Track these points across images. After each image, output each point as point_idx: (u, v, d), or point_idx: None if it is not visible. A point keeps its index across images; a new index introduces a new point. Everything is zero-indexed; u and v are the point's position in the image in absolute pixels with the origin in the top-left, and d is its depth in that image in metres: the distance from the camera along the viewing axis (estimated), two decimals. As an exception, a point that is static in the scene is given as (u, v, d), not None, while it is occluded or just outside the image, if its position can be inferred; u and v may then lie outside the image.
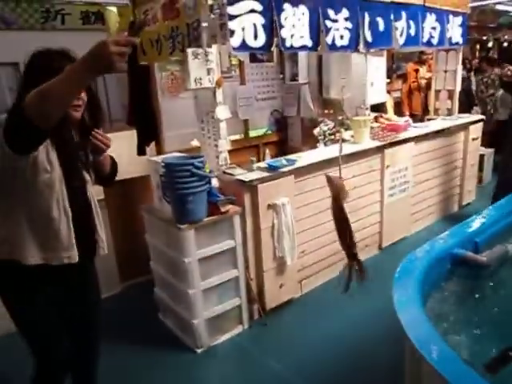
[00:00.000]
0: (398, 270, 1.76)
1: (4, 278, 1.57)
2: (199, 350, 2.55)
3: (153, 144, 3.39)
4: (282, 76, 4.43)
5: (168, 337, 2.73)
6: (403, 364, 1.59)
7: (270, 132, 4.45)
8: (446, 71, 4.68)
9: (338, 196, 1.62)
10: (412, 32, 3.61)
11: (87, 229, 1.66)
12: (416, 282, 1.66)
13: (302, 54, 4.12)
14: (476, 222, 2.19)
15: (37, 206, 1.50)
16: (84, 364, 1.88)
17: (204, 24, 2.52)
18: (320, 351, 2.50)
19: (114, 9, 3.48)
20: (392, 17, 3.40)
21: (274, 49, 2.91)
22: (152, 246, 2.78)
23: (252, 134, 4.26)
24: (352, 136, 3.63)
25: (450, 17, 4.00)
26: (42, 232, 1.52)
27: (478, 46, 10.67)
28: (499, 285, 1.95)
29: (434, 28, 3.84)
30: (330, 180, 1.63)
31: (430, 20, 3.78)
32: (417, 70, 5.64)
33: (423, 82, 5.52)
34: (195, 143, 3.61)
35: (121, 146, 2.40)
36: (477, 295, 1.90)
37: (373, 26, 3.28)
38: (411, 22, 3.58)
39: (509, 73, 3.64)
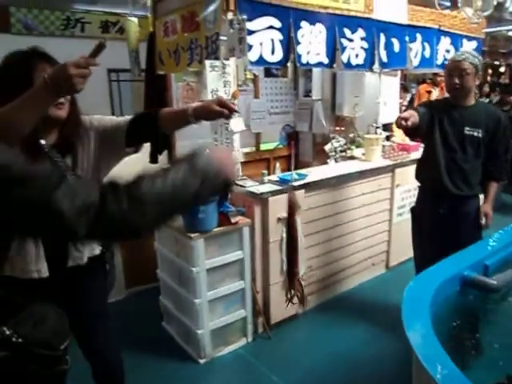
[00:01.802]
0: (407, 290, 1.75)
1: None
2: (202, 361, 2.54)
3: (165, 152, 3.42)
4: (295, 91, 4.47)
5: (171, 346, 2.72)
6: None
7: (281, 146, 4.48)
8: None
9: (293, 212, 1.61)
10: (426, 54, 3.66)
11: (58, 241, 1.48)
12: (425, 303, 1.65)
13: (316, 71, 4.17)
14: (487, 245, 2.18)
15: None
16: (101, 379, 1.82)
17: (223, 37, 2.58)
18: (323, 368, 2.48)
19: (135, 19, 3.56)
20: (407, 38, 3.44)
21: (289, 64, 2.96)
22: (160, 254, 2.80)
23: (263, 147, 4.29)
24: (363, 154, 3.65)
25: (465, 41, 4.04)
26: (9, 245, 1.42)
27: (490, 71, 10.73)
28: (509, 309, 1.93)
29: (448, 51, 3.88)
30: (291, 197, 1.61)
31: (445, 43, 3.82)
32: (429, 92, 5.67)
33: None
34: (207, 154, 3.64)
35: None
36: (486, 319, 1.88)
37: (388, 46, 3.32)
38: (426, 44, 3.62)
39: None
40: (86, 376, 1.79)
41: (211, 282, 2.47)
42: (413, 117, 2.24)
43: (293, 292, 1.82)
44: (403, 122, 2.18)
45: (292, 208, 1.64)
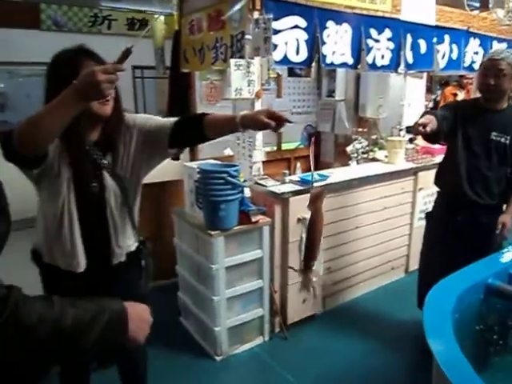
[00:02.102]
0: (429, 296, 1.72)
1: (39, 268, 1.60)
2: (218, 358, 2.56)
3: (186, 150, 3.45)
4: (318, 91, 4.46)
5: (188, 341, 2.75)
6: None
7: (302, 146, 4.47)
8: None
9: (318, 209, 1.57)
10: (454, 56, 3.59)
11: (99, 237, 1.55)
12: (447, 309, 1.62)
13: (340, 71, 4.14)
14: (511, 254, 2.12)
15: (47, 209, 1.50)
16: (127, 372, 1.89)
17: (248, 36, 2.58)
18: (340, 371, 2.46)
19: (161, 17, 3.60)
20: (435, 39, 3.38)
21: (313, 64, 2.95)
22: (180, 250, 2.82)
23: (285, 146, 4.29)
24: (386, 156, 3.61)
25: (495, 43, 3.94)
26: (51, 236, 1.51)
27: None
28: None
29: (476, 53, 3.79)
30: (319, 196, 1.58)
31: (473, 45, 3.74)
32: (455, 94, 5.56)
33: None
34: (228, 152, 3.66)
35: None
36: (510, 327, 1.83)
37: (415, 47, 3.27)
38: (454, 46, 3.55)
39: None
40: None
41: (230, 280, 2.48)
42: (431, 123, 2.11)
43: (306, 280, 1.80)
44: (421, 129, 2.06)
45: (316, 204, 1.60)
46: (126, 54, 1.16)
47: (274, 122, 1.29)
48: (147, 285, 1.78)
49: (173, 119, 1.52)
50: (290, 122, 1.32)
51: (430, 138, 2.29)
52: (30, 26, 4.89)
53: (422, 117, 2.28)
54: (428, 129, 2.07)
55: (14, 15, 4.75)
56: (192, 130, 1.47)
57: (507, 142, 2.29)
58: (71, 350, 0.81)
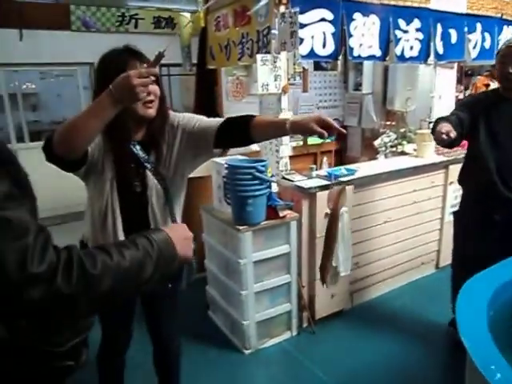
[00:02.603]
0: (463, 290, 1.69)
1: None
2: (247, 352, 2.58)
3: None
4: (344, 85, 4.40)
5: (216, 335, 2.78)
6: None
7: (328, 141, 4.43)
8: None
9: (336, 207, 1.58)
10: (486, 45, 3.47)
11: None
12: (482, 305, 1.58)
13: (367, 64, 4.08)
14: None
15: (93, 205, 1.54)
16: (161, 365, 1.95)
17: (274, 31, 2.58)
18: (368, 366, 2.44)
19: (187, 15, 3.64)
20: (466, 29, 3.28)
21: (339, 57, 2.91)
22: (208, 245, 2.86)
23: (311, 141, 4.27)
24: (415, 149, 3.53)
25: (530, 30, 3.79)
26: (97, 229, 1.55)
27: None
28: None
29: (510, 41, 3.66)
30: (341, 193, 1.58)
31: (508, 33, 3.61)
32: (487, 85, 5.38)
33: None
34: (255, 148, 3.67)
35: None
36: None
37: (445, 37, 3.19)
38: (486, 35, 3.44)
39: None
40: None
41: (258, 275, 2.50)
42: (452, 131, 2.04)
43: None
44: (445, 137, 1.99)
45: (336, 203, 1.61)
46: (159, 57, 1.19)
47: (326, 130, 1.25)
48: (191, 278, 1.82)
49: (219, 119, 1.52)
50: (342, 131, 1.29)
51: (448, 144, 2.19)
52: (61, 28, 5.01)
53: (436, 123, 2.21)
54: (452, 135, 2.02)
55: (45, 17, 4.89)
56: (239, 132, 1.45)
57: None
58: (135, 286, 0.91)
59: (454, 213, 2.61)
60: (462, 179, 2.50)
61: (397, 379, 2.35)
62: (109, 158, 1.47)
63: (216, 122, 1.51)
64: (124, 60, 1.40)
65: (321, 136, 1.26)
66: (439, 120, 2.23)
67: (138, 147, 1.50)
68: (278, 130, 1.39)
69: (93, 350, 1.82)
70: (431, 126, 3.71)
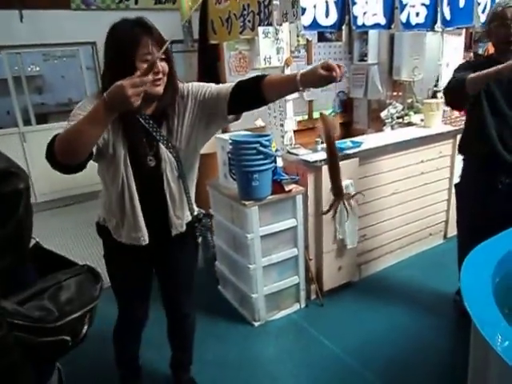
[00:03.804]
0: (467, 259, 1.69)
1: (102, 240, 1.73)
2: (256, 324, 2.64)
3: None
4: (349, 56, 4.32)
5: (227, 308, 2.85)
6: (467, 353, 1.55)
7: (334, 114, 4.38)
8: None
9: (329, 134, 1.58)
10: (496, 8, 3.35)
11: (158, 209, 1.60)
12: (487, 273, 1.59)
13: (372, 33, 3.98)
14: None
15: (108, 188, 1.56)
16: (177, 343, 2.04)
17: (275, 2, 2.52)
18: (377, 336, 2.48)
19: (187, -12, 3.56)
20: (475, -9, 3.17)
21: (343, 27, 2.85)
22: (215, 221, 2.88)
23: (316, 115, 4.22)
24: (422, 120, 3.48)
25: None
26: (115, 212, 1.59)
27: None
28: None
29: (522, 4, 3.53)
30: (323, 118, 1.59)
31: (519, -6, 3.48)
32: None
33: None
34: (259, 123, 3.65)
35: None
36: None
37: (452, 1, 3.08)
38: (496, -3, 3.32)
39: None
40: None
41: (265, 249, 2.52)
42: None
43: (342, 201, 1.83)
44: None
45: (329, 131, 1.61)
46: (152, 65, 1.20)
47: (331, 71, 1.26)
48: (208, 254, 1.87)
49: (230, 84, 1.50)
50: (342, 71, 1.28)
51: (458, 100, 2.14)
52: (61, 7, 4.95)
53: (463, 78, 2.11)
54: None
55: (44, -4, 4.82)
56: (251, 93, 1.43)
57: None
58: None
59: (456, 185, 2.59)
60: (464, 147, 2.47)
61: (404, 348, 2.39)
62: (118, 138, 1.47)
63: (227, 87, 1.49)
64: (136, 36, 1.37)
65: (330, 79, 1.27)
66: (465, 76, 2.05)
67: (148, 120, 1.50)
68: (289, 85, 1.38)
69: (109, 325, 1.89)
70: (439, 94, 3.64)
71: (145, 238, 1.59)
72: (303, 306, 2.80)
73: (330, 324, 2.64)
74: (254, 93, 1.42)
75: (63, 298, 1.06)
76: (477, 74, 1.97)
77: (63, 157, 1.24)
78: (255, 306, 2.60)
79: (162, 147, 1.53)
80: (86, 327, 1.09)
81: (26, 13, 4.72)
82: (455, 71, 2.28)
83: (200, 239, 1.79)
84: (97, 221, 1.71)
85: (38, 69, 6.84)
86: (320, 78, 1.28)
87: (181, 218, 1.66)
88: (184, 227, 1.68)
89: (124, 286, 1.77)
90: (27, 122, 5.32)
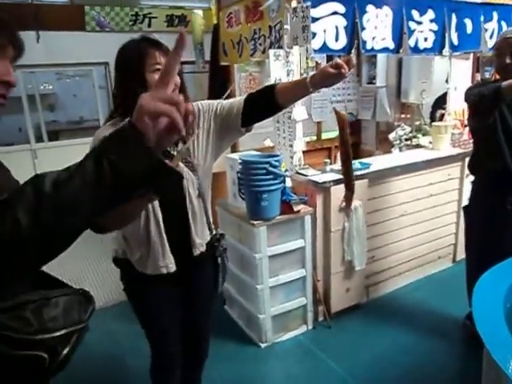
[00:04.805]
0: (479, 283, 1.68)
1: (123, 275, 1.66)
2: (263, 345, 2.61)
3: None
4: (358, 78, 4.37)
5: (233, 328, 2.82)
6: (477, 378, 1.52)
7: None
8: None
9: (344, 126, 1.69)
10: (503, 34, 3.40)
11: (180, 231, 1.56)
12: (498, 298, 1.57)
13: (381, 57, 4.04)
14: None
15: None
16: (190, 364, 1.89)
17: (286, 26, 2.58)
18: (385, 360, 2.44)
19: (199, 12, 3.66)
20: (482, 18, 3.23)
21: (352, 51, 2.90)
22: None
23: (324, 136, 4.25)
24: (430, 142, 3.50)
25: (548, 17, 3.70)
26: (140, 244, 1.52)
27: None
28: None
29: (528, 30, 3.58)
30: (337, 112, 1.69)
31: (525, 21, 3.53)
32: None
33: None
34: (268, 143, 3.69)
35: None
36: None
37: (460, 27, 3.13)
38: (503, 23, 3.37)
39: None
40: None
41: (273, 269, 2.52)
42: None
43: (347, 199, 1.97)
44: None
45: (343, 123, 1.67)
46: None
47: (340, 69, 1.28)
48: (224, 279, 1.83)
49: (240, 98, 1.53)
50: (352, 62, 1.30)
51: (489, 108, 2.14)
52: (76, 29, 5.10)
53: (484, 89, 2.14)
54: None
55: (61, 19, 4.98)
56: (265, 102, 1.46)
57: None
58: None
59: (464, 207, 2.60)
60: (475, 166, 2.49)
61: (412, 372, 2.34)
62: None
63: (238, 100, 1.52)
64: (143, 48, 1.38)
65: (340, 76, 1.29)
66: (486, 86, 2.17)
67: None
68: (300, 88, 1.40)
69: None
70: (448, 118, 3.66)
71: (172, 265, 1.55)
72: (310, 327, 2.76)
73: (338, 347, 2.60)
74: (268, 100, 1.44)
75: (48, 314, 1.03)
76: (509, 81, 2.03)
77: (115, 229, 1.18)
78: (262, 326, 2.57)
79: (182, 165, 1.51)
80: (67, 349, 1.04)
81: (42, 34, 4.87)
82: (469, 89, 2.36)
83: (219, 260, 1.74)
84: (114, 256, 1.64)
85: (50, 87, 7.00)
86: (329, 76, 1.30)
87: (201, 237, 1.62)
88: (204, 247, 1.64)
89: (158, 320, 1.67)
90: (39, 139, 5.42)
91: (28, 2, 4.82)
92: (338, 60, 1.29)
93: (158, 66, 1.36)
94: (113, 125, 1.41)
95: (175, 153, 1.49)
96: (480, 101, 2.20)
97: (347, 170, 1.80)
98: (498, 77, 2.51)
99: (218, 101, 1.59)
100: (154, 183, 0.69)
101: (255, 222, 2.38)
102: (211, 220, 1.68)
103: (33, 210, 0.66)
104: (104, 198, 0.67)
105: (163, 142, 0.67)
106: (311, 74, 1.38)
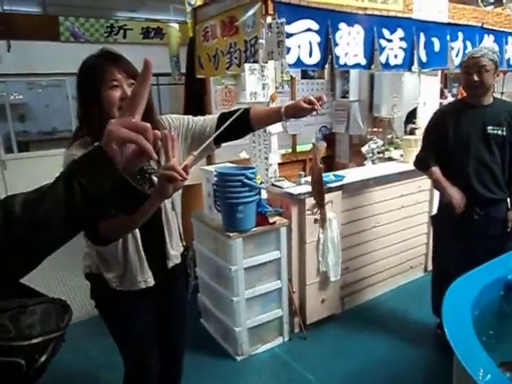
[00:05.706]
0: (448, 292, 1.73)
1: (95, 291, 1.62)
2: (239, 358, 2.59)
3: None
4: (332, 92, 4.47)
5: (209, 342, 2.79)
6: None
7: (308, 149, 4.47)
8: (502, 93, 4.56)
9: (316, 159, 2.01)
10: (468, 53, 3.56)
11: (156, 244, 1.57)
12: (466, 306, 1.62)
13: (353, 72, 4.15)
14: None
15: None
16: (167, 377, 1.85)
17: (261, 41, 2.63)
18: (360, 369, 2.47)
19: (175, 25, 3.68)
20: (448, 37, 3.38)
21: (326, 66, 2.97)
22: (199, 252, 2.87)
23: (299, 148, 4.31)
24: (401, 155, 3.60)
25: (510, 38, 3.91)
26: (118, 262, 1.50)
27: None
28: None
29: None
30: (316, 147, 2.00)
31: (488, 41, 3.71)
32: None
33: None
34: (243, 155, 3.70)
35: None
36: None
37: (428, 46, 3.27)
38: (468, 43, 3.53)
39: None
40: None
41: (249, 281, 2.52)
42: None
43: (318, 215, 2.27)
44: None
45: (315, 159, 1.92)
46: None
47: (312, 105, 1.39)
48: (191, 286, 1.83)
49: (213, 116, 1.56)
50: (322, 100, 1.41)
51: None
52: (50, 38, 5.03)
53: (428, 169, 2.50)
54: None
55: (34, 28, 4.91)
56: (240, 124, 1.48)
57: (504, 133, 2.32)
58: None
59: (432, 217, 2.68)
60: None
61: (387, 382, 2.37)
62: None
63: (210, 118, 1.56)
64: (100, 65, 1.36)
65: (313, 110, 1.40)
66: (430, 168, 2.49)
67: None
68: (275, 117, 1.49)
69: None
70: (417, 132, 3.79)
71: (151, 280, 1.54)
72: (286, 339, 2.77)
73: (313, 358, 2.61)
74: (242, 123, 1.48)
75: (25, 321, 1.02)
76: (437, 176, 2.43)
77: (113, 239, 1.29)
78: (238, 339, 2.56)
79: (155, 179, 1.47)
80: (45, 357, 1.03)
81: (13, 43, 4.77)
82: (425, 131, 2.60)
83: (189, 269, 1.77)
84: (87, 272, 1.59)
85: (21, 97, 6.85)
86: (302, 110, 1.41)
87: (176, 249, 1.63)
88: (179, 259, 1.65)
89: (134, 334, 1.63)
90: (8, 150, 5.28)
91: (-1, 11, 4.75)
92: (311, 97, 1.39)
93: (115, 83, 1.34)
94: (82, 145, 1.39)
95: (148, 167, 1.49)
96: (416, 165, 2.64)
97: (321, 200, 1.96)
98: (464, 93, 2.64)
99: (187, 116, 1.61)
100: (124, 204, 0.71)
101: (231, 234, 2.38)
102: (182, 231, 1.70)
103: (3, 231, 0.67)
104: (77, 216, 0.69)
105: (132, 165, 0.70)
106: (286, 104, 1.47)
